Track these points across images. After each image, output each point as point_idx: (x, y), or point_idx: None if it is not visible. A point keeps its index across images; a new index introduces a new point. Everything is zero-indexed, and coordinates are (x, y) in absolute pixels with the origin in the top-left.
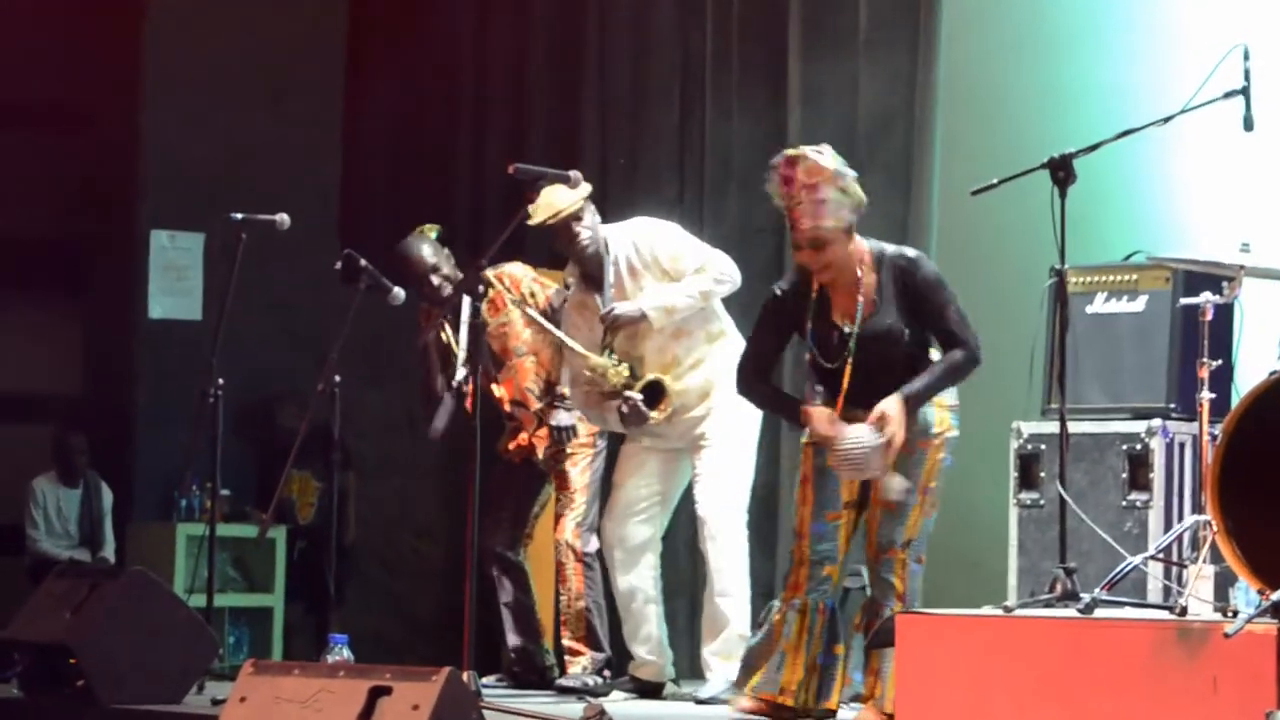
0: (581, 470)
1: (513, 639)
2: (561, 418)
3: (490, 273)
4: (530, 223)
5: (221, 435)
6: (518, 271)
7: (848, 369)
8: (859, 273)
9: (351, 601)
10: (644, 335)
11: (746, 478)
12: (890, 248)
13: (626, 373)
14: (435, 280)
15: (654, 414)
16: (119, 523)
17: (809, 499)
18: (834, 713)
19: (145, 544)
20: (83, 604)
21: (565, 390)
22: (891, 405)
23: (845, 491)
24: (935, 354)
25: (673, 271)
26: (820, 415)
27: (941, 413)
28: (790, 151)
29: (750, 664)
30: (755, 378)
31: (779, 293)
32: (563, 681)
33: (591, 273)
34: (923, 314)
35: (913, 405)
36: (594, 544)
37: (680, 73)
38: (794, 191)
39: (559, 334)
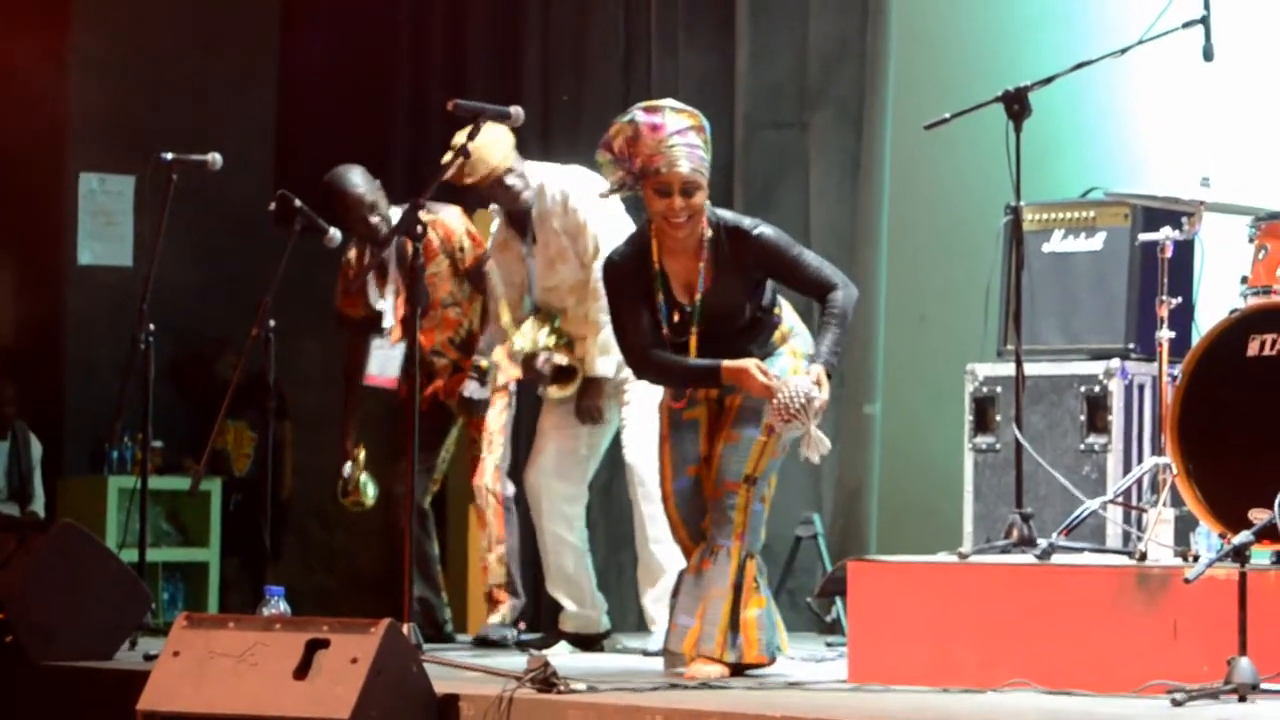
0: (499, 412)
1: (415, 589)
2: (472, 389)
3: (426, 217)
4: (467, 182)
5: (153, 384)
6: (453, 221)
7: (693, 341)
8: (705, 238)
9: (290, 556)
10: (566, 291)
11: None
12: (727, 216)
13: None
14: (373, 219)
15: (553, 388)
16: (49, 475)
17: (667, 458)
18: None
19: (76, 497)
20: (11, 558)
21: (483, 362)
22: (818, 372)
23: (703, 445)
24: (786, 311)
25: (571, 248)
26: (751, 365)
27: (796, 360)
28: (646, 104)
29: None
30: (653, 351)
31: (618, 259)
32: (483, 632)
33: (519, 217)
34: (777, 277)
35: (830, 371)
36: (513, 488)
37: (624, 5)
38: (664, 136)
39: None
